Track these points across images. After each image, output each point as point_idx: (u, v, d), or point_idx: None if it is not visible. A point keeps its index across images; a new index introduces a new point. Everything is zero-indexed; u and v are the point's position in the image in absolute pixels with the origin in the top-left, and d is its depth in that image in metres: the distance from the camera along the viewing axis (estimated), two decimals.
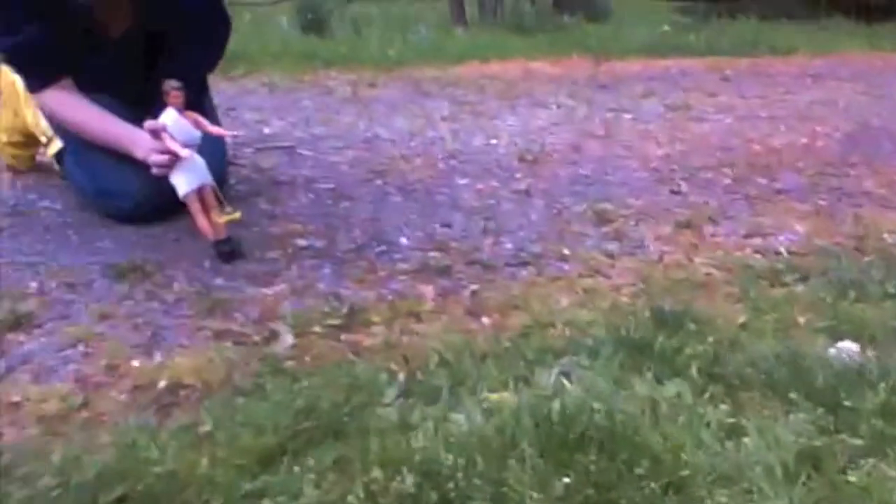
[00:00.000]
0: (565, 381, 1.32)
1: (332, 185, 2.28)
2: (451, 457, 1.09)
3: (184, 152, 1.69)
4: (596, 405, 1.22)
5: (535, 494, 1.04)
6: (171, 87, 1.70)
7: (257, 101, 3.29)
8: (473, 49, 5.12)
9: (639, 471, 1.08)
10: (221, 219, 1.73)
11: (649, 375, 1.34)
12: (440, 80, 4.05)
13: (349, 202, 2.17)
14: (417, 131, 2.97)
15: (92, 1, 1.84)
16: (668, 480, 1.07)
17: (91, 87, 1.91)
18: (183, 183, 1.72)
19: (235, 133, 1.99)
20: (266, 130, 2.60)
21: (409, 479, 1.04)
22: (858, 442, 1.17)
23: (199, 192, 1.73)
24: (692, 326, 1.53)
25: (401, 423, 1.20)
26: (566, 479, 1.06)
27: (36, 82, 1.90)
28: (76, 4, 1.83)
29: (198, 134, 1.76)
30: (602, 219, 2.18)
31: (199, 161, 1.72)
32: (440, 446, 1.11)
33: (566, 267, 1.88)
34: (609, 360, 1.41)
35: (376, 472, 1.06)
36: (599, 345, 1.47)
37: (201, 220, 1.72)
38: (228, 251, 1.73)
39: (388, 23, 6.62)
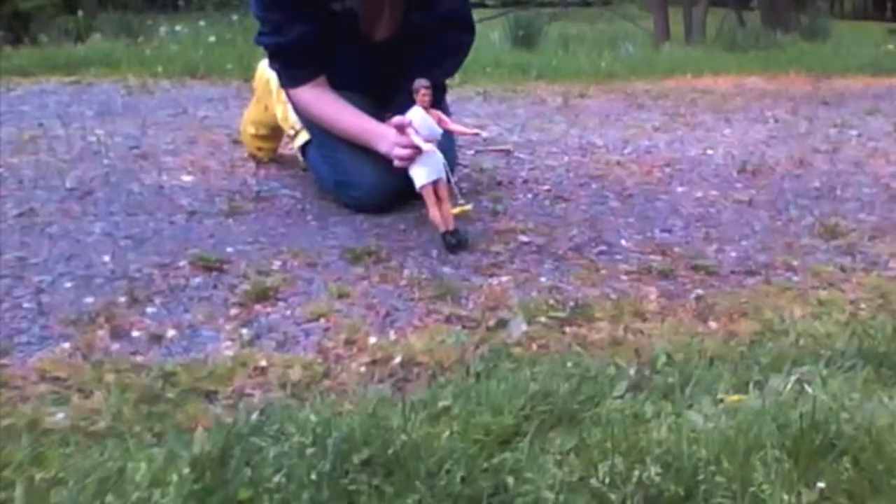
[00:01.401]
0: (807, 388, 1.26)
1: (549, 187, 2.29)
2: (693, 451, 1.06)
3: (426, 147, 1.75)
4: (844, 415, 1.16)
5: (784, 497, 0.99)
6: (421, 85, 1.76)
7: (474, 108, 3.37)
8: (684, 63, 5.02)
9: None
10: (454, 210, 1.79)
11: None
12: (651, 93, 3.99)
13: (566, 203, 2.18)
14: (631, 140, 2.94)
15: (358, 8, 1.94)
16: None
17: (342, 84, 2.00)
18: (422, 175, 1.79)
19: (477, 132, 2.04)
20: (484, 134, 2.65)
21: (652, 470, 1.02)
22: None
23: (435, 184, 1.79)
24: None
25: (635, 416, 1.18)
26: (820, 485, 1.01)
27: (294, 80, 1.99)
28: (343, 11, 1.94)
29: (439, 131, 1.81)
30: (832, 233, 2.07)
31: (439, 156, 1.78)
32: (682, 440, 1.08)
33: (796, 278, 1.80)
34: (851, 371, 1.34)
35: (617, 460, 1.05)
36: (839, 356, 1.40)
37: (434, 211, 1.78)
38: (455, 242, 1.78)
39: (594, 40, 6.62)
